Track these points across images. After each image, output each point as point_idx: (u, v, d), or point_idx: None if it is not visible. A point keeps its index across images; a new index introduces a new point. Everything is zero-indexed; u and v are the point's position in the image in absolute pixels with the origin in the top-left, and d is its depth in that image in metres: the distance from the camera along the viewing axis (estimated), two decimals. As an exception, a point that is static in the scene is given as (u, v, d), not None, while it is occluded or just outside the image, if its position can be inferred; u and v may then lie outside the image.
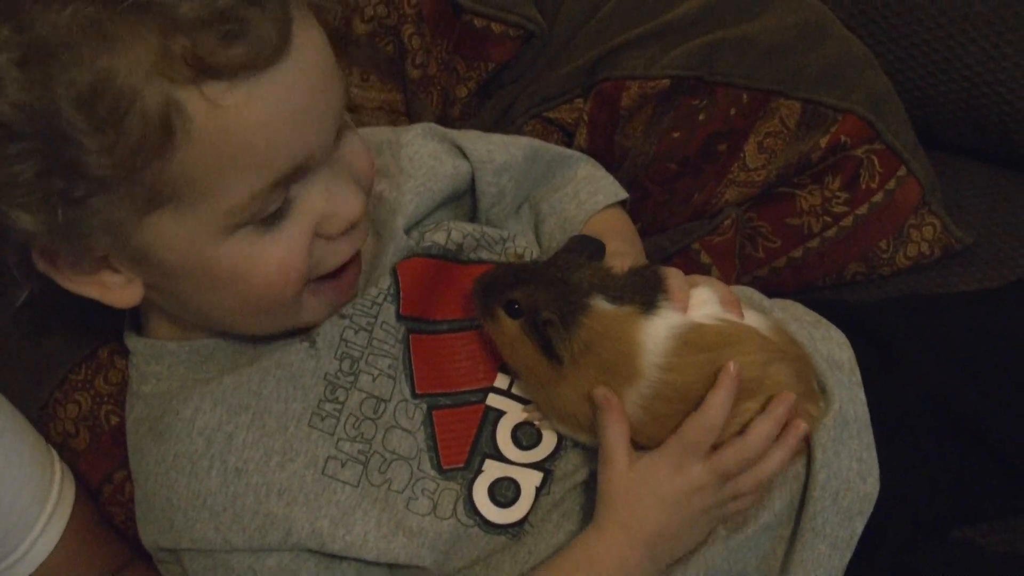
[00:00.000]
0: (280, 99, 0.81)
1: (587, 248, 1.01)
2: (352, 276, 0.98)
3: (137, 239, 0.84)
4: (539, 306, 0.93)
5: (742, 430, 0.95)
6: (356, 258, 0.97)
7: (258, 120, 0.80)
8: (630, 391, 0.93)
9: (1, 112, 0.76)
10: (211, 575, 0.95)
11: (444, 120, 1.36)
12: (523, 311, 0.95)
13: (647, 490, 0.94)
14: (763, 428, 0.94)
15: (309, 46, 0.84)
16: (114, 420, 1.09)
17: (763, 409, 0.96)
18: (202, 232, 0.84)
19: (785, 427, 0.96)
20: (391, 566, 0.96)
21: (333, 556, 0.94)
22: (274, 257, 0.87)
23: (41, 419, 1.10)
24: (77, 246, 0.85)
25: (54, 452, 1.08)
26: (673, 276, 0.97)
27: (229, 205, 0.83)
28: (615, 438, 0.94)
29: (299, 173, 0.86)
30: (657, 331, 0.93)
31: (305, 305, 0.93)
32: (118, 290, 0.89)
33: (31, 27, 0.75)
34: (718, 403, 0.93)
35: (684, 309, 0.96)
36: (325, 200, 0.89)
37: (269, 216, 0.86)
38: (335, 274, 0.94)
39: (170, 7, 0.75)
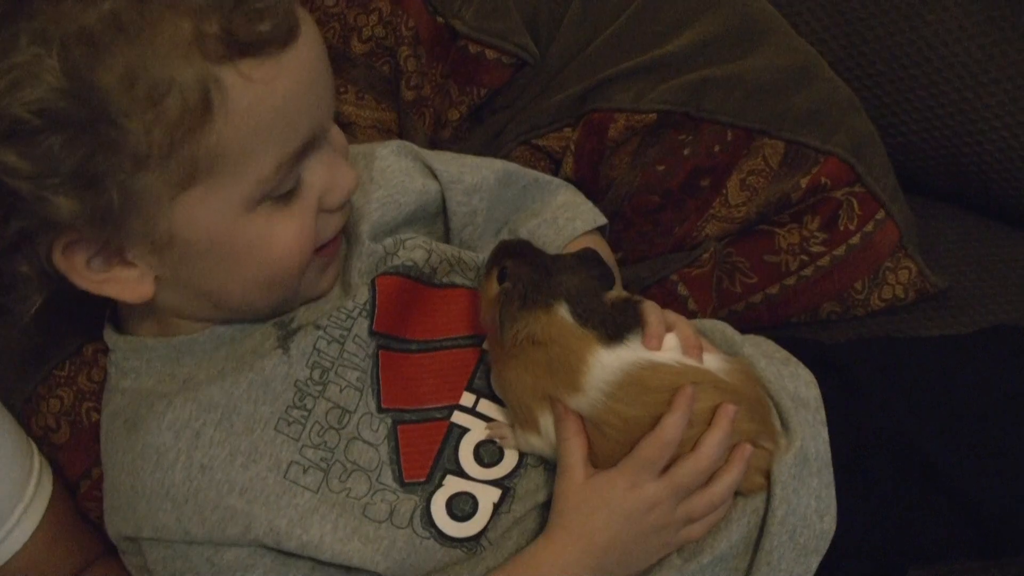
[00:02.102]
0: (300, 72, 0.89)
1: (597, 267, 1.03)
2: (333, 249, 1.03)
3: (167, 220, 0.89)
4: (511, 278, 0.98)
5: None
6: (340, 234, 1.03)
7: (284, 92, 0.88)
8: (572, 402, 0.96)
9: (44, 99, 0.81)
10: (170, 565, 0.97)
11: (435, 142, 1.38)
12: (505, 279, 0.99)
13: (601, 503, 0.96)
14: (713, 438, 0.97)
15: (311, 27, 0.92)
16: (94, 417, 1.10)
17: None
18: (229, 208, 0.90)
19: (732, 450, 0.99)
20: (347, 569, 0.98)
21: (289, 554, 0.96)
22: (290, 231, 0.94)
23: (24, 412, 1.12)
24: (105, 234, 0.89)
25: (34, 445, 1.09)
26: (653, 315, 1.00)
27: (258, 176, 0.89)
28: (572, 450, 0.97)
29: (311, 145, 0.93)
30: (609, 361, 0.96)
31: (303, 280, 0.99)
32: (131, 285, 0.93)
33: (66, 20, 0.81)
34: (673, 423, 0.95)
35: (658, 348, 0.98)
36: (327, 175, 0.95)
37: (284, 194, 0.92)
38: (321, 248, 1.00)
39: None
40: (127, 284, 0.93)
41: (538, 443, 1.00)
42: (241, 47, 0.84)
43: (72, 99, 0.81)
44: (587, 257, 1.03)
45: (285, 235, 0.93)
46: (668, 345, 1.00)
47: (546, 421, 0.98)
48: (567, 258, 1.02)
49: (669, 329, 1.02)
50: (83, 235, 0.89)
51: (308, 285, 1.01)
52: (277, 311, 1.03)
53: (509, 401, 1.01)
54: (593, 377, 0.95)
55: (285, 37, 0.86)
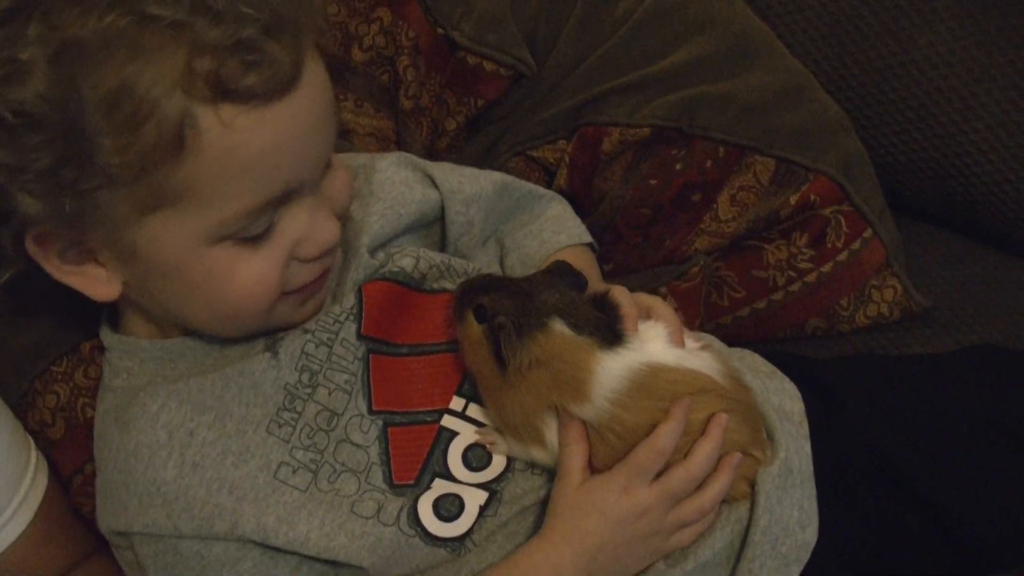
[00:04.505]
0: (284, 128, 0.88)
1: (569, 276, 1.04)
2: (315, 287, 1.02)
3: (130, 236, 0.90)
4: (498, 311, 0.98)
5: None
6: (323, 274, 1.02)
7: (262, 144, 0.87)
8: (578, 411, 0.97)
9: (26, 101, 0.82)
10: (160, 559, 0.98)
11: (431, 151, 1.39)
12: (487, 316, 0.99)
13: (593, 507, 0.97)
14: (705, 448, 0.98)
15: (315, 83, 0.91)
16: (89, 413, 1.11)
17: None
18: (191, 238, 0.90)
19: (721, 459, 1.00)
20: (334, 564, 0.99)
21: (276, 549, 0.98)
22: (252, 272, 0.93)
23: (20, 407, 1.12)
24: (72, 235, 0.91)
25: (31, 440, 1.10)
26: (623, 298, 1.02)
27: (222, 217, 0.89)
28: (573, 456, 0.98)
29: (288, 197, 0.92)
30: (613, 367, 0.97)
31: (273, 314, 0.99)
32: (99, 284, 0.95)
33: (67, 28, 0.81)
34: (669, 431, 0.96)
35: (635, 326, 1.00)
36: (306, 225, 0.95)
37: (252, 236, 0.92)
38: (301, 288, 1.00)
39: (200, 30, 0.82)
40: (95, 282, 0.95)
41: (541, 454, 1.01)
42: (225, 92, 0.84)
43: (53, 107, 0.82)
44: (558, 270, 1.05)
45: (245, 275, 0.93)
46: (654, 333, 1.02)
47: (551, 432, 1.00)
48: (540, 276, 1.03)
49: (648, 313, 1.04)
50: (52, 230, 0.91)
51: (281, 318, 1.01)
52: (249, 336, 1.03)
53: (511, 425, 1.01)
54: (599, 384, 0.96)
55: (274, 92, 0.86)
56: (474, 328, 1.00)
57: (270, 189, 0.90)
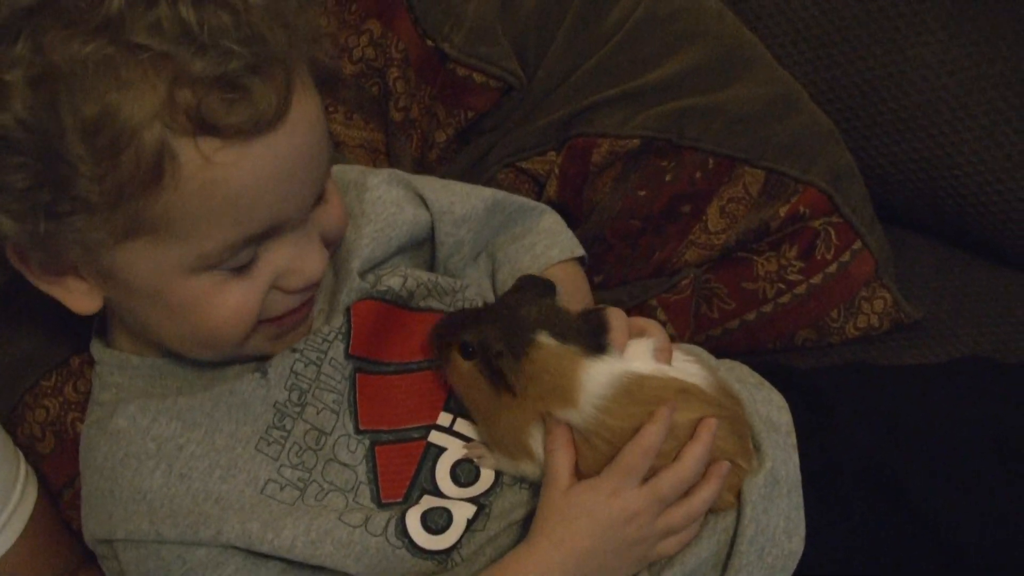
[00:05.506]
0: (268, 164, 0.86)
1: (536, 287, 1.05)
2: (295, 319, 1.02)
3: (107, 259, 0.89)
4: (489, 341, 0.98)
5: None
6: (302, 306, 1.01)
7: (244, 181, 0.86)
8: (564, 415, 0.97)
9: (4, 124, 0.81)
10: (143, 565, 0.98)
11: (422, 162, 1.39)
12: (476, 351, 0.99)
13: (582, 511, 0.97)
14: (694, 450, 0.98)
15: (304, 119, 0.89)
16: (79, 427, 1.10)
17: None
18: (170, 267, 0.89)
19: (709, 467, 1.00)
20: (319, 569, 0.99)
21: (260, 555, 0.97)
22: (230, 302, 0.92)
23: (10, 421, 1.12)
24: (50, 254, 0.90)
25: (20, 453, 1.10)
26: (615, 319, 1.02)
27: (202, 251, 0.88)
28: (559, 461, 0.98)
29: (272, 232, 0.91)
30: (599, 374, 0.97)
31: (248, 344, 0.98)
32: (80, 296, 0.95)
33: (51, 52, 0.80)
34: (654, 431, 0.96)
35: (623, 348, 1.00)
36: (290, 258, 0.94)
37: (235, 267, 0.91)
38: (279, 318, 0.99)
39: (184, 61, 0.81)
40: (76, 294, 0.95)
41: (530, 468, 1.01)
42: (205, 126, 0.82)
43: (31, 131, 0.82)
44: (525, 284, 1.05)
45: (224, 305, 0.92)
46: (640, 349, 1.02)
47: (537, 444, 1.00)
48: (510, 296, 1.04)
49: (640, 333, 1.04)
50: (28, 249, 0.90)
51: (255, 348, 1.01)
52: (226, 361, 1.03)
53: (503, 443, 1.01)
54: (586, 391, 0.97)
55: (257, 129, 0.84)
56: (463, 366, 1.00)
57: (252, 225, 0.89)
